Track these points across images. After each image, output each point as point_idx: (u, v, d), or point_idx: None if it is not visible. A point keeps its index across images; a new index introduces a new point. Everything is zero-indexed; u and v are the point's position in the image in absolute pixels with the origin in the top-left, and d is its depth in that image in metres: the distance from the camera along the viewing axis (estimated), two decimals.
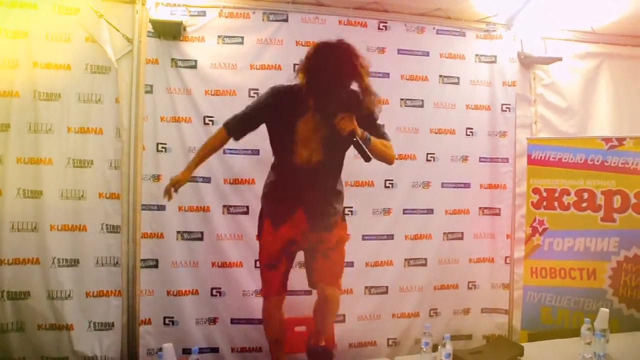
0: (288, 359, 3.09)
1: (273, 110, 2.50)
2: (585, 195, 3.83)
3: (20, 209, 3.48)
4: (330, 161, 2.58)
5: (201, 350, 3.57)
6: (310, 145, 2.48)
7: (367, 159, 2.45)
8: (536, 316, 3.91)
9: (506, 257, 4.22)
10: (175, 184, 2.67)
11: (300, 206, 2.51)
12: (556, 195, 3.90)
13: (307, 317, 3.20)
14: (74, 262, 3.56)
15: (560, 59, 4.16)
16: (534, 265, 3.95)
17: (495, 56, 4.19)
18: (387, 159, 2.57)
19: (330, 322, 2.68)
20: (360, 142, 2.36)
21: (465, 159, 4.15)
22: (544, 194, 3.93)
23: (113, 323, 3.61)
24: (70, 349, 3.53)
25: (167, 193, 2.68)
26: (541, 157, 3.94)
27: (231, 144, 3.55)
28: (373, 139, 2.48)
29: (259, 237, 2.63)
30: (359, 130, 2.34)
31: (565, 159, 3.88)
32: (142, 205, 3.60)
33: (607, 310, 2.98)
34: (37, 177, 3.50)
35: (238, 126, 2.63)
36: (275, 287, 2.62)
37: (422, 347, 2.75)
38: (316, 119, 2.44)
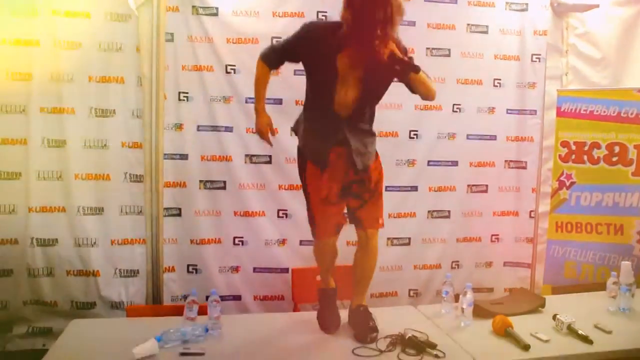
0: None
1: (310, 44, 2.39)
2: (617, 149, 3.72)
3: (45, 158, 3.51)
4: (367, 102, 2.52)
5: (224, 298, 3.63)
6: (348, 82, 2.41)
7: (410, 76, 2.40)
8: (559, 271, 3.89)
9: (531, 211, 4.16)
10: (268, 129, 2.63)
11: (341, 147, 2.46)
12: (585, 148, 3.80)
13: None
14: (98, 211, 3.61)
15: (597, 6, 3.94)
16: (560, 220, 3.90)
17: (526, 4, 4.01)
18: (430, 93, 2.49)
19: (372, 272, 2.71)
20: (402, 60, 2.27)
21: (492, 110, 4.05)
22: (573, 147, 3.84)
23: (138, 270, 3.68)
24: (98, 294, 3.63)
25: (268, 141, 2.65)
26: (571, 109, 3.82)
27: (251, 91, 3.53)
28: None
29: (303, 182, 2.59)
30: (398, 52, 2.28)
31: (597, 111, 3.76)
32: (165, 154, 3.60)
33: (629, 262, 2.95)
34: (60, 127, 3.52)
35: (273, 55, 2.56)
36: (332, 226, 2.57)
37: (443, 296, 2.77)
38: (355, 55, 2.34)
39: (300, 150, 2.59)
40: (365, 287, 2.67)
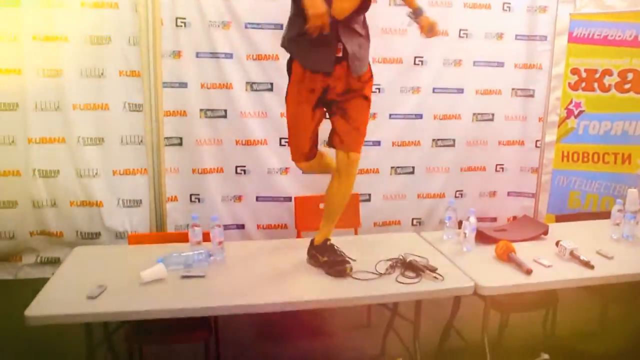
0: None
1: None
2: (630, 75, 3.60)
3: (42, 89, 3.45)
4: (362, 7, 2.36)
5: (227, 227, 3.67)
6: None
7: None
8: (563, 200, 3.88)
9: (537, 141, 4.10)
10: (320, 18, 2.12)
11: (336, 48, 2.32)
12: (597, 76, 3.69)
13: None
14: (98, 141, 3.58)
15: None
16: (566, 149, 3.85)
17: None
18: None
19: (345, 202, 2.55)
20: None
21: (500, 36, 3.90)
22: (584, 75, 3.73)
23: (141, 200, 3.69)
24: (102, 224, 3.67)
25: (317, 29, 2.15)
26: (584, 34, 3.68)
27: (251, 16, 3.41)
28: None
29: (289, 85, 2.43)
30: None
31: (611, 35, 3.61)
32: (164, 82, 3.51)
33: (636, 190, 2.91)
34: (55, 55, 3.43)
35: None
36: (306, 147, 2.49)
37: (446, 221, 2.75)
38: None
39: (298, 62, 2.43)
40: (336, 219, 2.49)
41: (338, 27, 2.23)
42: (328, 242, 2.38)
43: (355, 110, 2.36)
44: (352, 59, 2.29)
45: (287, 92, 2.39)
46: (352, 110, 2.35)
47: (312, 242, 2.41)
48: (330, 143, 2.43)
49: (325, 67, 2.29)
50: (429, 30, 2.39)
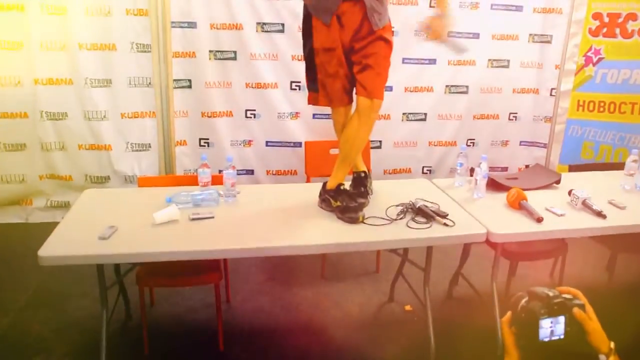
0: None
1: None
2: None
3: (46, 27, 3.36)
4: None
5: (237, 172, 3.63)
6: None
7: None
8: (576, 151, 3.83)
9: (552, 89, 3.99)
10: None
11: (355, 3, 2.25)
12: (620, 20, 3.57)
13: None
14: (106, 83, 3.53)
15: None
16: (582, 98, 3.77)
17: None
18: None
19: (362, 146, 2.49)
20: None
21: None
22: (606, 20, 3.60)
23: (150, 144, 3.67)
24: (111, 168, 3.66)
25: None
26: None
27: None
28: None
29: (306, 31, 2.31)
30: None
31: None
32: (172, 22, 3.43)
33: None
34: None
35: None
36: (340, 88, 2.42)
37: (457, 167, 2.72)
38: None
39: (307, 8, 2.30)
40: (352, 163, 2.46)
41: None
42: (342, 187, 2.35)
43: (376, 55, 2.28)
44: (370, 12, 2.21)
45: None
46: (373, 56, 2.28)
47: (324, 185, 2.38)
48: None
49: (324, 16, 2.22)
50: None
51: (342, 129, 2.41)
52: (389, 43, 2.29)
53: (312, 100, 2.41)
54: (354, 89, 2.32)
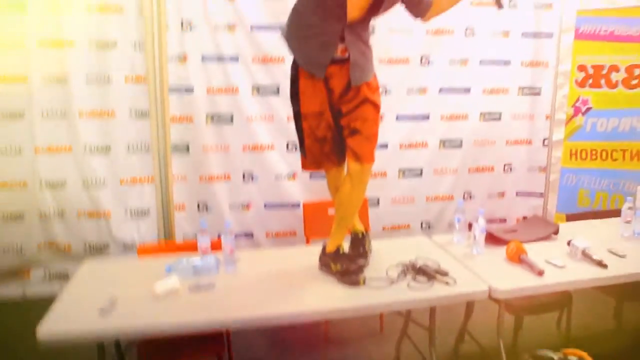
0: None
1: None
2: (637, 71, 3.60)
3: (47, 96, 3.43)
4: (380, 5, 2.23)
5: (235, 236, 3.53)
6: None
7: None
8: (573, 199, 3.86)
9: (544, 139, 4.07)
10: None
11: (344, 61, 2.25)
12: (604, 72, 3.67)
13: None
14: (105, 149, 3.56)
15: None
16: (574, 147, 3.83)
17: None
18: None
19: (357, 210, 2.51)
20: None
21: (505, 34, 3.89)
22: (590, 71, 3.71)
23: (149, 209, 3.67)
24: (110, 235, 3.64)
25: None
26: (590, 30, 3.67)
27: (257, 18, 3.43)
28: None
29: (294, 95, 2.32)
30: None
31: (618, 31, 3.60)
32: (170, 88, 3.50)
33: None
34: (61, 61, 3.41)
35: None
36: (329, 156, 2.37)
37: (455, 223, 2.73)
38: None
39: (295, 69, 2.31)
40: (348, 225, 2.47)
41: (344, 29, 2.20)
42: (341, 251, 2.34)
43: (364, 120, 2.30)
44: (353, 67, 2.24)
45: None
46: (361, 120, 2.30)
47: (323, 248, 2.38)
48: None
49: (317, 70, 2.25)
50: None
51: (336, 190, 2.42)
52: (376, 106, 2.30)
53: (304, 165, 2.44)
54: (344, 150, 2.34)
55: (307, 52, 2.25)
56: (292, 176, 3.71)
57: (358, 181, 2.32)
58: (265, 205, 3.76)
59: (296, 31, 2.27)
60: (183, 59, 3.51)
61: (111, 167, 3.58)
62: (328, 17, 2.18)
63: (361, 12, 2.20)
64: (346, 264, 2.25)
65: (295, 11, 2.26)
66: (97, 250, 3.64)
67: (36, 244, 3.59)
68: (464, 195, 4.01)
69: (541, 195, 4.13)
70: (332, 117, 2.30)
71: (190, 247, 2.49)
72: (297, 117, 2.34)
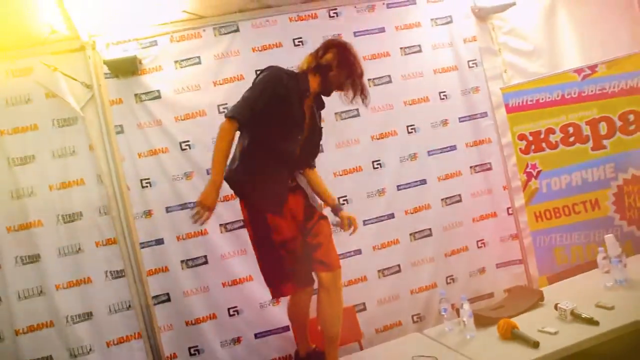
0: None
1: (281, 92, 2.53)
2: (571, 129, 3.83)
3: (22, 277, 3.47)
4: (318, 143, 2.79)
5: None
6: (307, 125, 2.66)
7: None
8: (551, 259, 3.92)
9: (508, 208, 4.21)
10: (208, 209, 2.45)
11: (295, 190, 2.61)
12: (542, 136, 3.91)
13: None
14: (87, 316, 3.55)
15: (513, 4, 4.11)
16: (537, 210, 3.96)
17: (450, 16, 4.18)
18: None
19: (341, 318, 2.64)
20: None
21: (445, 122, 4.13)
22: (530, 138, 3.94)
23: None
24: None
25: (206, 219, 2.48)
26: (518, 103, 3.95)
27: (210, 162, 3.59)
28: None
29: (256, 234, 2.59)
30: None
31: (542, 99, 3.88)
32: (141, 243, 3.60)
33: (612, 235, 3.02)
34: (31, 242, 3.50)
35: (247, 111, 2.48)
36: (309, 273, 2.63)
37: (443, 314, 2.77)
38: (317, 100, 2.72)
39: (249, 203, 2.60)
40: (338, 336, 2.61)
41: (294, 167, 2.67)
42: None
43: (324, 233, 2.57)
44: (312, 198, 2.66)
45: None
46: (322, 234, 2.56)
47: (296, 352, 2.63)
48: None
49: (276, 209, 2.51)
50: (349, 224, 2.77)
51: (302, 314, 2.69)
52: (327, 219, 2.68)
53: (288, 290, 2.55)
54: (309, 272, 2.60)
55: (266, 191, 2.54)
56: (276, 301, 3.70)
57: (334, 289, 2.53)
58: (255, 336, 3.71)
59: (250, 174, 2.55)
60: (148, 214, 3.64)
61: (96, 331, 3.55)
62: (283, 160, 2.58)
63: (309, 150, 2.72)
64: None
65: (248, 157, 2.56)
66: None
67: None
68: (447, 280, 4.03)
69: (520, 261, 4.19)
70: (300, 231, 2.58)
71: None
72: (272, 250, 2.55)
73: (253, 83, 2.64)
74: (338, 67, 2.64)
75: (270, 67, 2.63)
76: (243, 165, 2.55)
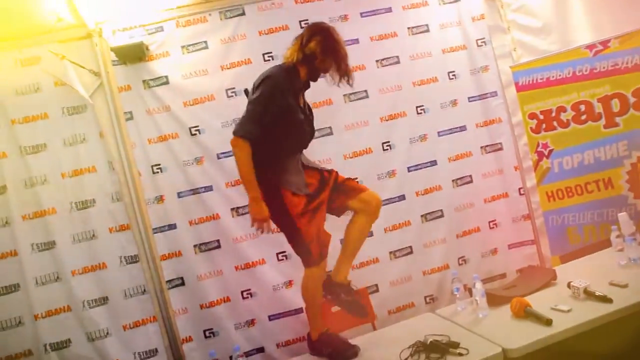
0: None
1: (281, 96, 2.63)
2: (583, 107, 3.77)
3: (38, 264, 3.52)
4: (312, 126, 2.94)
5: (248, 354, 3.63)
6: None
7: None
8: (564, 239, 3.90)
9: (520, 189, 4.19)
10: (264, 221, 2.65)
11: (304, 168, 2.80)
12: (553, 115, 3.86)
13: None
14: (103, 301, 3.60)
15: None
16: (549, 189, 3.93)
17: None
18: None
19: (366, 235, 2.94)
20: None
21: (454, 103, 4.11)
22: (541, 117, 3.90)
23: (156, 349, 3.64)
24: None
25: (264, 230, 2.68)
26: (528, 81, 3.90)
27: (223, 147, 3.60)
28: None
29: (284, 213, 2.70)
30: None
31: (553, 77, 3.82)
32: (153, 229, 3.63)
33: (625, 213, 2.98)
34: (46, 229, 3.54)
35: (253, 127, 2.59)
36: (323, 244, 2.77)
37: (455, 294, 2.77)
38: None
39: (273, 188, 2.69)
40: (356, 255, 2.89)
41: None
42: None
43: (347, 182, 2.90)
44: (316, 165, 2.93)
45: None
46: (344, 179, 2.91)
47: (329, 277, 2.75)
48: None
49: (304, 189, 2.71)
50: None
51: (315, 291, 2.81)
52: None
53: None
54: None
55: (289, 177, 2.71)
56: (289, 284, 3.75)
57: (374, 217, 2.91)
58: (269, 318, 3.76)
59: (270, 167, 2.70)
60: (160, 200, 3.67)
61: (112, 315, 3.60)
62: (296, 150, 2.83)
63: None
64: (357, 296, 2.69)
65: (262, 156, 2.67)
66: None
67: None
68: (459, 261, 4.04)
69: (533, 242, 4.18)
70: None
71: None
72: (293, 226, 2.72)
73: (254, 88, 2.70)
74: (322, 54, 2.74)
75: (269, 74, 2.68)
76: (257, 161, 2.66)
